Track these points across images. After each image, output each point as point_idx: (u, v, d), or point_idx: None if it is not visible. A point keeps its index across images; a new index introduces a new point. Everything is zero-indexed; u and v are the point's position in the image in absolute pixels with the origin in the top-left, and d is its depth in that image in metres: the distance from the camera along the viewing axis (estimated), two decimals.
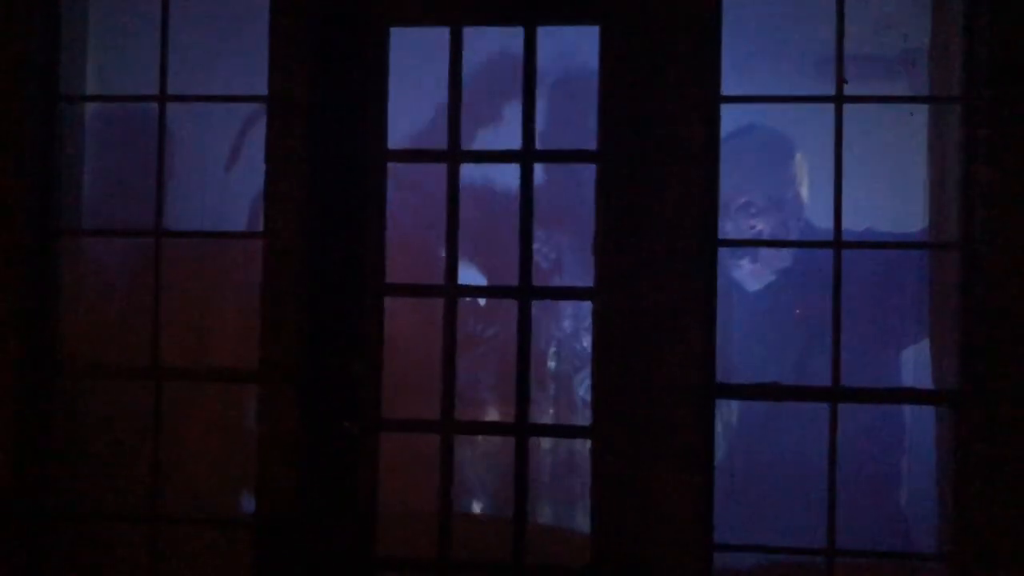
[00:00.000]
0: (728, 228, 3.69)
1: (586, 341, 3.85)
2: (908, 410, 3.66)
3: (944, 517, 2.88)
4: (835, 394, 2.81)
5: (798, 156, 3.70)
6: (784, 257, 3.69)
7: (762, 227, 3.70)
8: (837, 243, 2.85)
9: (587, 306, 3.09)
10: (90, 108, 3.22)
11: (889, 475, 3.66)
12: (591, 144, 2.89)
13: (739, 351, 3.57)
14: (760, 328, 3.68)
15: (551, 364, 3.92)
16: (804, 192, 3.73)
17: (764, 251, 3.70)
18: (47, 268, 3.01)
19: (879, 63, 3.51)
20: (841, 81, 2.81)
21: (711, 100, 2.81)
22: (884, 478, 3.64)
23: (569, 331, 3.92)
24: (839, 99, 2.82)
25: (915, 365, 3.53)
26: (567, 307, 3.92)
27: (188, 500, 3.17)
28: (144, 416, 2.98)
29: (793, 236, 3.67)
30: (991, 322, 2.71)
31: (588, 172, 2.87)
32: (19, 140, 2.95)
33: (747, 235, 3.70)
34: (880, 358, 3.54)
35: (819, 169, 3.54)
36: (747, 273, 3.75)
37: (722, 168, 3.54)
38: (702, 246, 2.80)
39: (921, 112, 3.06)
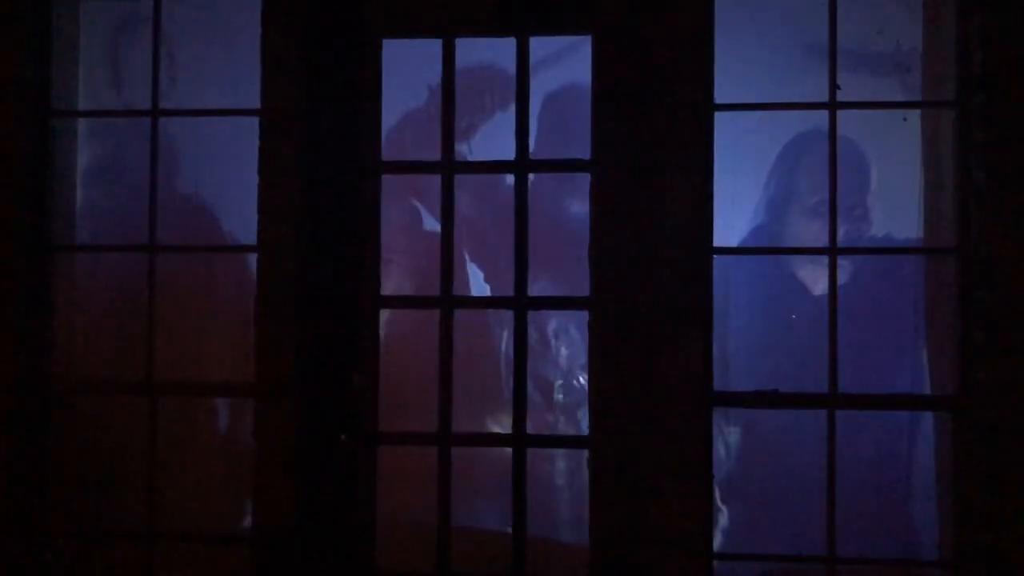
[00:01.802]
0: (809, 228, 3.63)
1: (583, 378, 3.85)
2: (913, 416, 3.63)
3: (946, 523, 2.87)
4: (833, 401, 2.80)
5: (868, 162, 3.63)
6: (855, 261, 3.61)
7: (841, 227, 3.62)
8: (833, 249, 2.85)
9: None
10: (82, 122, 3.21)
11: (891, 481, 3.64)
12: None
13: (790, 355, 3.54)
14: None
15: (559, 397, 3.92)
16: (872, 198, 3.66)
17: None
18: (40, 284, 3.00)
19: (873, 68, 3.50)
20: (834, 87, 2.81)
21: (704, 108, 2.80)
22: (887, 484, 3.62)
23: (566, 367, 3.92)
24: (832, 105, 2.82)
25: (915, 369, 3.51)
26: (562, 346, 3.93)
27: (185, 516, 3.15)
28: (139, 432, 2.97)
29: (864, 241, 3.60)
30: (989, 327, 2.70)
31: None
32: (11, 156, 2.94)
33: (817, 239, 3.62)
34: (894, 363, 3.52)
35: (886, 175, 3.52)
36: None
37: (788, 169, 3.52)
38: (697, 254, 2.79)
39: (916, 116, 3.05)
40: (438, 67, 2.90)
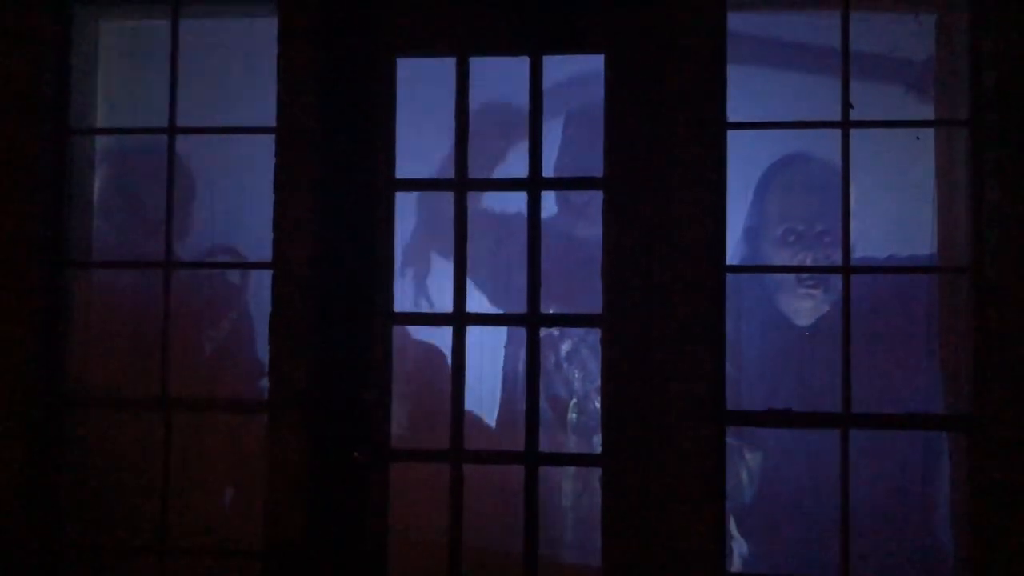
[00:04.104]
0: (779, 257, 3.61)
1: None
2: (927, 435, 3.61)
3: (961, 542, 2.85)
4: (846, 420, 2.79)
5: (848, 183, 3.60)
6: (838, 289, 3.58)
7: (808, 255, 3.60)
8: (845, 268, 2.85)
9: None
10: (100, 140, 3.24)
11: (904, 501, 3.62)
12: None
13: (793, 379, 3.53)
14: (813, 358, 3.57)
15: (572, 416, 3.92)
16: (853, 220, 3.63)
17: (829, 281, 3.57)
18: (57, 299, 3.02)
19: (886, 87, 3.50)
20: (847, 107, 2.81)
21: (717, 126, 2.81)
22: (900, 504, 3.60)
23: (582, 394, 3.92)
24: (846, 124, 2.82)
25: (928, 388, 3.49)
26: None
27: (197, 531, 3.16)
28: (153, 447, 2.98)
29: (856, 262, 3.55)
30: (1003, 346, 2.69)
31: None
32: (30, 173, 2.97)
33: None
34: (904, 382, 3.50)
35: (866, 196, 3.50)
36: (810, 306, 3.62)
37: (772, 195, 3.52)
38: (710, 273, 2.79)
39: (929, 136, 3.05)
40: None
